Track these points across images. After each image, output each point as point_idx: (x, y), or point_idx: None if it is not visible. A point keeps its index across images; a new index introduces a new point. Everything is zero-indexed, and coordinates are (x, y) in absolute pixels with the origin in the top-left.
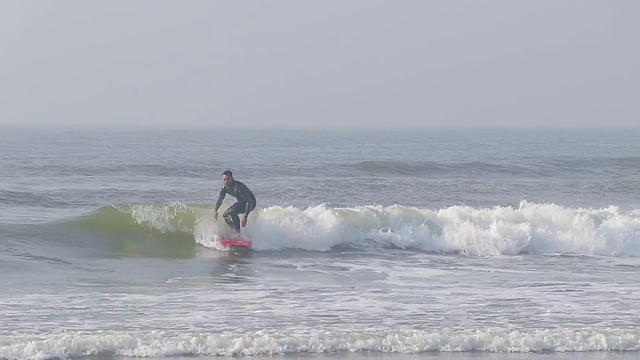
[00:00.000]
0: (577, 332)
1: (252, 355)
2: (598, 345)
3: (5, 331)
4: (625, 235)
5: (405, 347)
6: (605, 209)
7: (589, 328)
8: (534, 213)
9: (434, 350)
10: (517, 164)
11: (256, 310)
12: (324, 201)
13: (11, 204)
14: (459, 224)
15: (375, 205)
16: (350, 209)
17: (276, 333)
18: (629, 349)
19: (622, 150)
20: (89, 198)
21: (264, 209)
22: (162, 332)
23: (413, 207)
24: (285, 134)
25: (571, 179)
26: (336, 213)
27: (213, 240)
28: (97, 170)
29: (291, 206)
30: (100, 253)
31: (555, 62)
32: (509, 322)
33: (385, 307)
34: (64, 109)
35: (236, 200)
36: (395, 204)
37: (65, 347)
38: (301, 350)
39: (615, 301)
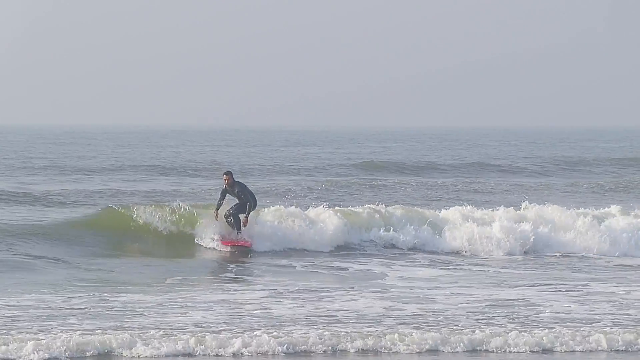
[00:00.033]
0: (576, 333)
1: (251, 355)
2: (597, 346)
3: (4, 331)
4: (629, 236)
5: (404, 348)
6: (607, 209)
7: (588, 328)
8: (537, 214)
9: (433, 351)
10: (517, 164)
11: (255, 310)
12: (324, 201)
13: (11, 203)
14: (461, 224)
15: (377, 205)
16: (353, 209)
17: (275, 333)
18: (629, 349)
19: (622, 150)
20: (89, 198)
21: (265, 209)
22: (161, 333)
23: (415, 207)
24: (285, 134)
25: (571, 178)
26: (339, 214)
27: (213, 241)
28: (97, 170)
29: (293, 207)
30: (100, 253)
31: (555, 62)
32: (509, 322)
33: (385, 307)
34: (64, 109)
35: (237, 201)
36: (398, 204)
37: (64, 348)
38: (300, 351)
39: (615, 301)
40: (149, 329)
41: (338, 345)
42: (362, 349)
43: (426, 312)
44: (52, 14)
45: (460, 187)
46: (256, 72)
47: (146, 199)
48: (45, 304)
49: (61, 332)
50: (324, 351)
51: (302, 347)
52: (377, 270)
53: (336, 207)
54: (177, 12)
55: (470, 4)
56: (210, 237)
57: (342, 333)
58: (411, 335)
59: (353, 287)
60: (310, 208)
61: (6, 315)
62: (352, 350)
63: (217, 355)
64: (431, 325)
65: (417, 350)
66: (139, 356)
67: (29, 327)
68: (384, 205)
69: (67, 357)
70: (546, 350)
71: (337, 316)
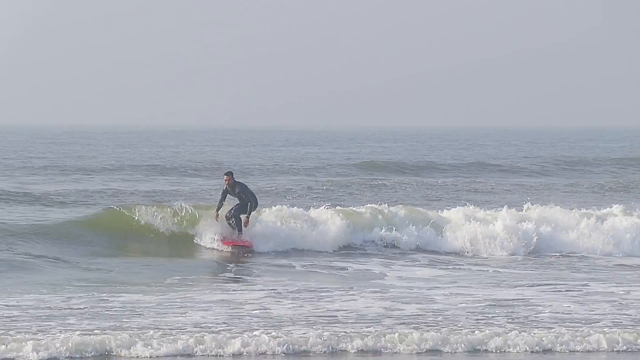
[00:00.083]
0: (576, 333)
1: (250, 355)
2: (597, 346)
3: (3, 331)
4: (633, 236)
5: (404, 348)
6: (609, 209)
7: (588, 328)
8: (540, 215)
9: (433, 351)
10: (517, 163)
11: (255, 310)
12: (324, 201)
13: (11, 203)
14: (464, 224)
15: (380, 205)
16: (355, 209)
17: (274, 333)
18: (628, 349)
19: (622, 150)
20: (89, 198)
21: (266, 209)
22: (160, 333)
23: (418, 208)
24: (285, 134)
25: (571, 178)
26: (341, 214)
27: (214, 241)
28: (97, 170)
29: (295, 207)
30: (99, 253)
31: (555, 62)
32: (508, 322)
33: (384, 307)
34: (64, 109)
35: (238, 201)
36: (400, 204)
37: (63, 348)
38: (300, 351)
39: (614, 301)
40: (148, 329)
41: (338, 345)
42: (362, 349)
43: (426, 312)
44: (52, 14)
45: (460, 187)
46: (256, 72)
47: (146, 199)
48: (45, 303)
49: (60, 332)
50: (324, 351)
51: (302, 347)
52: (377, 270)
53: (337, 207)
54: (177, 12)
55: (470, 4)
56: (210, 238)
57: (342, 333)
58: (411, 335)
59: (352, 287)
60: (311, 208)
61: (5, 315)
62: (351, 351)
63: (216, 355)
64: (431, 326)
65: (417, 351)
66: (138, 356)
67: (28, 327)
68: (386, 205)
69: (66, 357)
70: (546, 351)
71: (337, 316)
